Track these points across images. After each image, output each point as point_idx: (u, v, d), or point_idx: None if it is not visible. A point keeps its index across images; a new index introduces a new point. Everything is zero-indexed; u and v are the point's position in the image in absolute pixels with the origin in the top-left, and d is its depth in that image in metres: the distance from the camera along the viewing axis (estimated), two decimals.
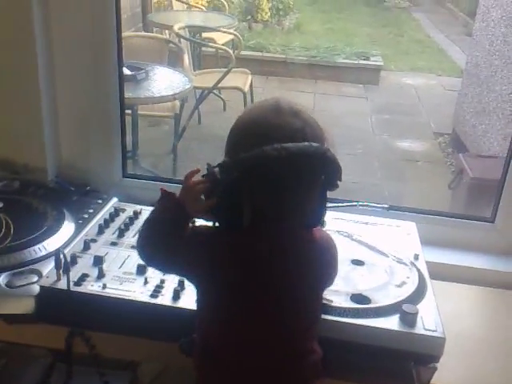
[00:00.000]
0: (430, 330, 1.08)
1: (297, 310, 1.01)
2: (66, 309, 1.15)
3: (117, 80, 1.59)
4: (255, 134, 0.95)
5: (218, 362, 1.02)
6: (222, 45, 4.65)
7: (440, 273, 1.50)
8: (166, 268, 1.10)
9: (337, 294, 1.13)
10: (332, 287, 1.11)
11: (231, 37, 4.75)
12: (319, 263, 1.04)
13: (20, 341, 1.21)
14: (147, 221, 1.07)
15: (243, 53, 5.58)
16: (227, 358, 1.02)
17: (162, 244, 1.03)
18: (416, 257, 1.32)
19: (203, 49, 4.77)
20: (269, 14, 7.25)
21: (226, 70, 3.77)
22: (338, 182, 0.99)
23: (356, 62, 5.79)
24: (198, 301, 1.06)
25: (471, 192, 2.82)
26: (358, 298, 1.14)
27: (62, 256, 1.17)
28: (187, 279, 1.12)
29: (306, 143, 0.93)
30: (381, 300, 1.13)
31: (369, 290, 1.16)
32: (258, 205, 0.97)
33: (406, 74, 6.13)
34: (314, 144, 0.94)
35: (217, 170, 0.97)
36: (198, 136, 4.13)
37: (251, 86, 4.17)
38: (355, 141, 4.46)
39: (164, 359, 1.26)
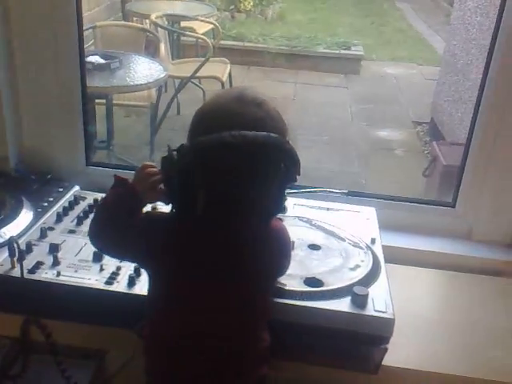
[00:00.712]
0: (379, 312, 1.09)
1: (248, 300, 1.02)
2: (20, 297, 1.16)
3: (78, 68, 1.57)
4: (216, 120, 0.95)
5: (166, 349, 1.03)
6: (202, 34, 4.62)
7: (401, 257, 1.52)
8: (117, 254, 1.10)
9: (291, 278, 1.14)
10: (287, 271, 1.13)
11: (211, 26, 4.73)
12: (272, 254, 1.05)
13: None
14: (99, 207, 1.07)
15: (224, 42, 5.57)
16: (175, 346, 1.03)
17: (114, 230, 1.03)
18: (373, 241, 1.33)
19: (183, 38, 4.75)
20: (252, 3, 7.23)
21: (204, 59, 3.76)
22: (297, 176, 0.99)
23: (337, 51, 5.79)
24: (149, 287, 1.06)
25: (444, 179, 2.84)
26: (312, 281, 1.15)
27: (15, 244, 1.17)
28: (140, 266, 1.13)
29: (265, 133, 0.93)
30: (333, 283, 1.14)
31: (322, 273, 1.17)
32: (213, 192, 0.96)
33: (387, 63, 6.15)
34: (273, 135, 0.94)
35: (174, 153, 0.97)
36: (177, 126, 4.12)
37: (230, 75, 4.16)
38: (334, 130, 4.48)
39: (129, 346, 1.27)
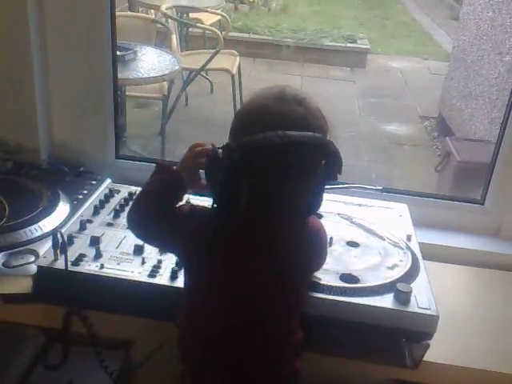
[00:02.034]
0: (423, 308, 1.10)
1: (281, 294, 1.03)
2: (63, 288, 1.16)
3: (110, 60, 1.58)
4: (257, 120, 0.96)
5: (203, 338, 1.04)
6: (210, 26, 4.61)
7: (430, 253, 1.53)
8: (158, 243, 1.10)
9: (327, 273, 1.15)
10: (323, 266, 1.14)
11: (218, 17, 4.71)
12: (308, 251, 1.06)
13: (16, 320, 1.21)
14: (142, 193, 1.07)
15: (230, 34, 5.56)
16: (212, 338, 1.03)
17: (157, 217, 1.03)
18: (409, 238, 1.34)
19: (190, 29, 4.73)
20: None
21: (213, 51, 3.75)
22: (338, 175, 1.00)
23: (343, 44, 5.78)
24: (186, 278, 1.07)
25: (457, 175, 2.86)
26: (347, 277, 1.16)
27: (59, 236, 1.17)
28: (179, 256, 1.12)
29: (310, 133, 0.93)
30: (370, 280, 1.15)
31: (359, 270, 1.18)
32: (256, 191, 0.97)
33: (393, 57, 6.15)
34: (318, 135, 0.94)
35: (220, 151, 0.97)
36: (185, 118, 4.11)
37: (239, 67, 4.15)
38: (342, 124, 4.47)
39: (160, 337, 1.28)
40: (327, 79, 5.37)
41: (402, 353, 1.14)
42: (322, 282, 1.13)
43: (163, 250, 1.17)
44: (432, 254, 1.53)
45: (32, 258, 1.22)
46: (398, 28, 7.36)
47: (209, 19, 4.69)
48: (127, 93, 3.20)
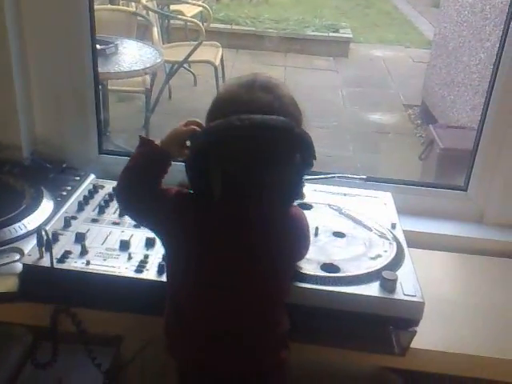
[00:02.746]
0: (409, 295, 1.11)
1: (264, 283, 1.03)
2: (50, 286, 1.15)
3: (90, 55, 1.56)
4: (225, 107, 0.97)
5: (186, 329, 1.04)
6: (191, 17, 4.59)
7: (415, 241, 1.54)
8: (140, 217, 1.09)
9: (308, 263, 1.16)
10: (306, 256, 1.15)
11: (200, 9, 4.69)
12: (289, 240, 1.05)
13: (3, 319, 1.20)
14: (127, 167, 1.07)
15: (212, 25, 5.53)
16: (195, 326, 1.04)
17: (139, 189, 1.04)
18: (393, 226, 1.35)
19: (171, 22, 4.70)
20: None
21: (196, 43, 3.73)
22: (313, 161, 1.00)
23: (326, 34, 5.79)
24: (167, 266, 1.08)
25: (441, 162, 2.88)
26: (328, 266, 1.16)
27: (43, 233, 1.16)
28: (157, 236, 1.12)
29: (274, 116, 0.94)
30: (350, 270, 1.16)
31: (341, 260, 1.19)
32: (227, 176, 0.97)
33: (375, 46, 6.17)
34: (282, 118, 0.94)
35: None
36: (169, 111, 4.09)
37: (222, 59, 4.14)
38: (326, 114, 4.48)
39: (149, 333, 1.28)
40: (310, 69, 5.37)
41: (389, 340, 1.15)
42: (302, 272, 1.14)
43: (149, 229, 1.13)
44: (417, 241, 1.54)
45: (17, 257, 1.21)
46: (380, 17, 7.38)
47: (190, 11, 4.67)
48: (109, 87, 3.18)
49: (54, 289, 1.15)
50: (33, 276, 1.17)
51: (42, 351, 1.30)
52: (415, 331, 1.14)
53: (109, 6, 3.71)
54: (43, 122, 1.60)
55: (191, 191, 1.03)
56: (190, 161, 0.99)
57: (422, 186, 1.66)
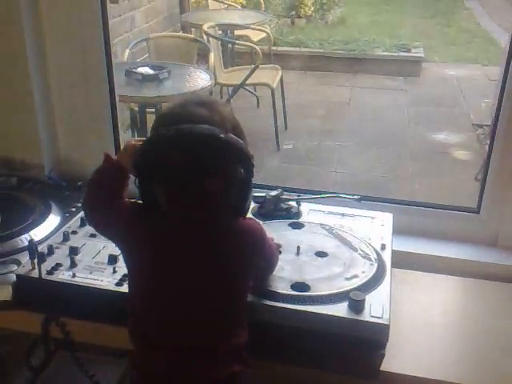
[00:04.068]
0: (375, 317, 1.09)
1: (213, 294, 1.04)
2: (39, 296, 1.24)
3: (107, 81, 1.66)
4: (160, 122, 1.03)
5: (141, 337, 1.08)
6: (258, 41, 4.70)
7: (424, 264, 1.51)
8: (101, 229, 1.16)
9: (280, 281, 1.17)
10: (279, 274, 1.16)
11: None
12: (238, 251, 1.06)
13: (2, 325, 1.30)
14: (89, 180, 1.15)
15: (281, 49, 5.63)
16: (148, 335, 1.07)
17: (98, 200, 1.11)
18: (383, 247, 1.33)
19: (237, 46, 4.83)
20: (312, 8, 7.25)
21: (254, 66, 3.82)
22: (250, 170, 1.02)
23: (396, 54, 5.70)
24: (128, 277, 1.13)
25: None
26: (299, 285, 1.16)
27: (34, 247, 1.25)
28: (118, 248, 1.16)
29: (201, 125, 0.97)
30: (321, 289, 1.15)
31: (314, 279, 1.19)
32: (168, 187, 1.02)
33: (450, 65, 5.98)
34: (209, 126, 0.97)
35: None
36: None
37: (281, 81, 4.20)
38: (389, 134, 4.41)
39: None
40: (378, 89, 5.30)
41: (361, 362, 1.13)
42: (272, 290, 1.14)
43: (110, 240, 1.19)
44: (425, 264, 1.51)
45: (15, 267, 1.30)
46: (459, 35, 7.16)
47: (257, 36, 4.78)
48: None
49: (43, 298, 1.24)
50: (24, 286, 1.26)
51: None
52: (383, 354, 1.11)
53: (170, 33, 3.90)
54: (65, 141, 1.72)
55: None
56: (134, 174, 1.05)
57: (431, 207, 1.61)
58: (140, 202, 1.07)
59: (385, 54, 5.70)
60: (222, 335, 1.06)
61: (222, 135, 0.97)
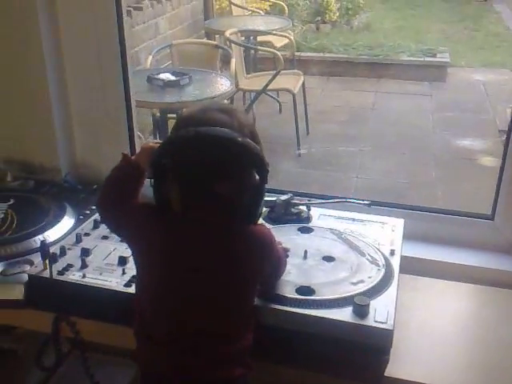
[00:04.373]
0: (379, 322, 1.09)
1: (222, 296, 1.05)
2: (50, 295, 1.27)
3: (122, 85, 1.68)
4: (183, 124, 1.05)
5: (145, 334, 1.10)
6: (280, 47, 4.71)
7: (435, 271, 1.49)
8: (115, 227, 1.17)
9: (286, 285, 1.17)
10: (285, 277, 1.17)
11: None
12: (247, 255, 1.06)
13: (12, 324, 1.33)
14: (106, 178, 1.17)
15: (304, 54, 5.64)
16: (155, 335, 1.08)
17: (114, 198, 1.13)
18: (392, 252, 1.32)
19: (260, 52, 4.85)
20: (337, 14, 7.24)
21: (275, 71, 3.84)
22: (265, 175, 1.03)
23: (421, 59, 5.65)
24: (136, 277, 1.14)
25: None
26: (304, 289, 1.16)
27: (46, 248, 1.28)
28: (130, 248, 1.17)
29: (218, 128, 0.99)
30: (326, 293, 1.15)
31: (319, 283, 1.18)
32: (183, 188, 1.04)
33: (477, 69, 5.90)
34: (227, 130, 0.99)
35: None
36: None
37: (303, 86, 4.20)
38: (413, 139, 4.37)
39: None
40: (402, 94, 5.26)
41: (361, 367, 1.12)
42: (277, 293, 1.15)
43: (123, 240, 1.22)
44: (436, 270, 1.49)
45: (28, 268, 1.33)
46: (487, 39, 7.06)
47: (279, 41, 4.80)
48: None
49: (54, 298, 1.27)
50: (35, 285, 1.29)
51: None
52: (387, 359, 1.10)
53: (193, 40, 3.94)
54: (82, 145, 1.76)
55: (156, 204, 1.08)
56: (150, 175, 1.06)
57: (444, 213, 1.59)
58: (153, 203, 1.08)
59: (410, 58, 5.66)
60: (229, 338, 1.07)
61: (239, 139, 0.99)
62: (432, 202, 3.43)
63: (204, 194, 1.03)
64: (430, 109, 4.97)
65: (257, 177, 1.02)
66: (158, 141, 1.15)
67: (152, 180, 1.06)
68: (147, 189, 1.13)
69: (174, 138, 1.03)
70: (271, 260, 1.12)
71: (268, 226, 1.18)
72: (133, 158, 1.16)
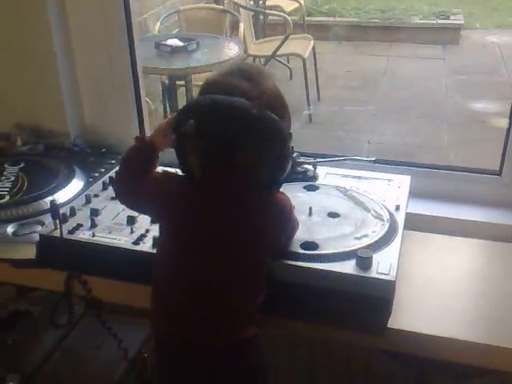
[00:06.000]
0: (382, 274, 1.10)
1: (239, 259, 1.07)
2: (61, 254, 1.29)
3: (127, 47, 1.68)
4: (206, 90, 1.05)
5: (166, 303, 1.11)
6: (290, 12, 4.65)
7: (442, 227, 1.49)
8: (133, 203, 1.18)
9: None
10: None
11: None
12: (266, 224, 1.07)
13: (24, 283, 1.36)
14: (120, 159, 1.19)
15: (314, 19, 5.57)
16: (173, 301, 1.10)
17: (130, 178, 1.13)
18: (397, 207, 1.33)
19: (270, 17, 4.80)
20: None
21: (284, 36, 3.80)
22: (288, 147, 1.03)
23: (434, 21, 5.56)
24: (157, 244, 1.16)
25: None
26: (308, 244, 1.17)
27: (55, 208, 1.30)
28: (152, 217, 1.21)
29: (235, 98, 0.98)
30: (330, 248, 1.16)
31: (323, 238, 1.19)
32: (204, 155, 1.03)
33: (492, 31, 5.80)
34: (243, 100, 0.98)
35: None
36: None
37: (314, 51, 4.16)
38: (426, 103, 4.33)
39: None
40: (415, 58, 5.20)
41: (365, 318, 1.13)
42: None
43: (137, 209, 1.22)
44: (444, 226, 1.50)
45: (39, 228, 1.36)
46: (503, 1, 6.91)
47: (289, 6, 4.74)
48: (195, 82, 3.34)
49: (65, 257, 1.29)
50: (47, 245, 1.31)
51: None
52: (389, 310, 1.12)
53: (200, 5, 3.90)
54: (90, 112, 1.77)
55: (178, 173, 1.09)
56: (173, 143, 1.07)
57: (451, 170, 1.59)
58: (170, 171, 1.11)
59: (422, 21, 5.58)
60: (245, 302, 1.09)
61: (254, 110, 0.98)
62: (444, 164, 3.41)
63: (220, 162, 1.03)
64: (443, 72, 4.91)
65: (277, 148, 1.02)
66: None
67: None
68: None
69: (193, 104, 1.03)
70: (287, 229, 1.14)
71: (288, 197, 1.17)
72: (147, 138, 1.16)
